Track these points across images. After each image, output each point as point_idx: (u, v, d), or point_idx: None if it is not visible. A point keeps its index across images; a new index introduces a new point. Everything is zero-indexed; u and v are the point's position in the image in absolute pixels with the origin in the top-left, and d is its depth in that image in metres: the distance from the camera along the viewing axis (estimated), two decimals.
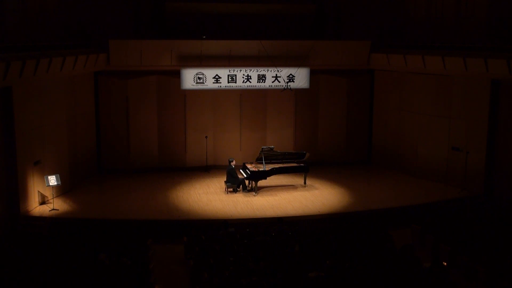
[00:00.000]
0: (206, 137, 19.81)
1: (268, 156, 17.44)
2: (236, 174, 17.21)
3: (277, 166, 17.40)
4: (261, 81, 18.86)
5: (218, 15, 20.24)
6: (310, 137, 20.84)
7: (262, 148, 17.37)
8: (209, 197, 16.82)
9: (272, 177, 17.41)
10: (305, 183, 17.90)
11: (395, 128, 20.06)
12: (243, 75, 18.68)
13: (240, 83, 18.72)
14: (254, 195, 16.86)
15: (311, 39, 19.87)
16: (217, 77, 18.48)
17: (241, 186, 17.23)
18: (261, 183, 17.29)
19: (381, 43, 20.02)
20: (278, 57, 18.97)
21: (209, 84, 18.51)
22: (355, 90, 20.92)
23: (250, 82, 18.78)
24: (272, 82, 18.93)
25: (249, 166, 17.37)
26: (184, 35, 19.75)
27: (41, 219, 14.81)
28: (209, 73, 18.42)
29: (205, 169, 19.83)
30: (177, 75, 18.53)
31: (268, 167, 17.20)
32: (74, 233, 13.61)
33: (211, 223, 14.56)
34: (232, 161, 17.22)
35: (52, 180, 15.30)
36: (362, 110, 21.14)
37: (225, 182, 17.23)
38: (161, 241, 13.74)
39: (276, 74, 18.82)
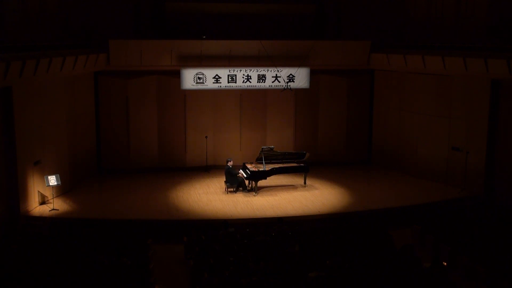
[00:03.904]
0: (206, 137, 19.81)
1: (268, 156, 17.44)
2: (235, 173, 17.19)
3: (277, 166, 17.40)
4: (261, 81, 18.86)
5: (218, 15, 20.24)
6: (310, 137, 20.84)
7: (262, 148, 17.37)
8: (209, 197, 16.82)
9: (272, 177, 17.41)
10: (305, 183, 17.90)
11: (395, 128, 20.07)
12: (243, 75, 18.68)
13: (240, 83, 18.71)
14: (254, 195, 16.86)
15: (311, 39, 19.87)
16: (217, 77, 18.48)
17: (241, 186, 17.23)
18: (261, 183, 17.28)
19: (381, 43, 20.02)
20: (278, 57, 18.97)
21: (209, 84, 18.51)
22: (355, 90, 20.92)
23: (250, 82, 18.77)
24: (272, 82, 18.93)
25: (249, 166, 17.37)
26: (184, 35, 19.75)
27: (41, 219, 14.81)
28: (209, 73, 18.41)
29: (205, 169, 19.84)
30: (177, 75, 18.53)
31: (268, 167, 17.20)
32: (74, 233, 13.60)
33: (211, 223, 14.56)
34: (230, 161, 17.21)
35: (52, 180, 15.30)
36: (362, 110, 21.14)
37: (225, 182, 17.23)
38: (161, 241, 13.73)
39: (276, 74, 18.82)
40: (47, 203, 15.77)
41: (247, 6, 20.29)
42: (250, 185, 17.37)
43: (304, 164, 17.80)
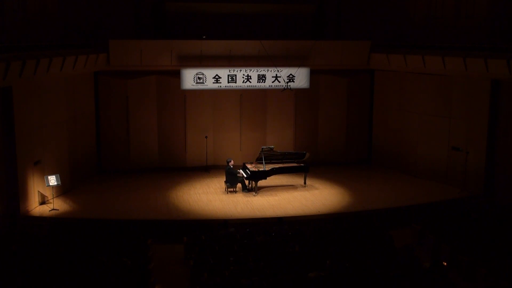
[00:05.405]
0: (206, 137, 19.81)
1: (268, 156, 17.44)
2: (235, 173, 17.19)
3: (277, 166, 17.40)
4: (261, 81, 18.86)
5: (218, 15, 20.25)
6: (310, 137, 20.84)
7: (262, 148, 17.37)
8: (209, 197, 16.82)
9: (272, 177, 17.41)
10: (305, 183, 17.89)
11: (395, 128, 20.06)
12: (243, 75, 18.68)
13: (240, 83, 18.71)
14: (254, 195, 16.86)
15: (311, 39, 19.86)
16: (217, 77, 18.48)
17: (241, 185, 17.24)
18: (261, 183, 17.28)
19: (381, 43, 20.02)
20: (278, 57, 18.97)
21: (209, 84, 18.50)
22: (355, 90, 20.92)
23: (250, 82, 18.77)
24: (272, 82, 18.93)
25: (249, 166, 17.37)
26: (184, 35, 19.75)
27: (41, 219, 14.81)
28: (209, 73, 18.41)
29: (205, 169, 19.84)
30: (177, 75, 18.53)
31: (268, 167, 17.20)
32: (74, 233, 13.60)
33: (211, 223, 14.56)
34: (230, 161, 17.21)
35: (52, 180, 15.30)
36: (362, 110, 21.15)
37: (225, 182, 17.24)
38: (161, 241, 13.74)
39: (276, 74, 18.82)
40: (47, 203, 15.77)
41: (247, 6, 20.28)
42: (250, 185, 17.37)
43: (304, 164, 17.80)
